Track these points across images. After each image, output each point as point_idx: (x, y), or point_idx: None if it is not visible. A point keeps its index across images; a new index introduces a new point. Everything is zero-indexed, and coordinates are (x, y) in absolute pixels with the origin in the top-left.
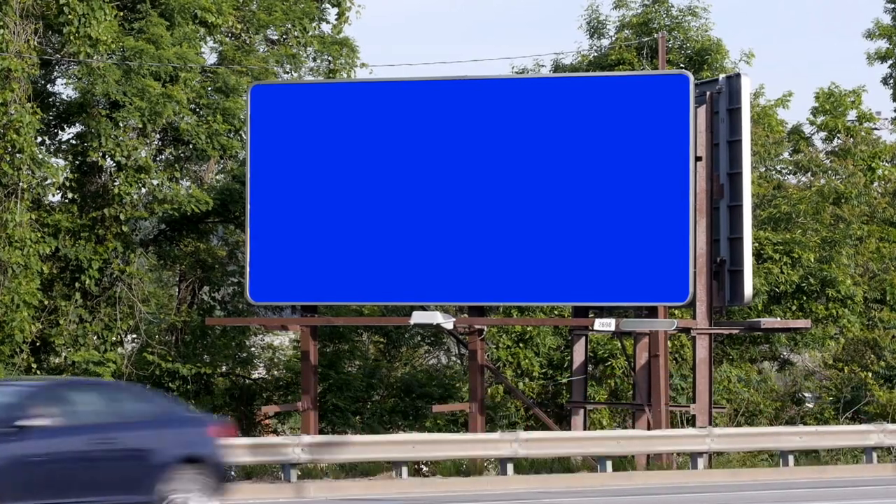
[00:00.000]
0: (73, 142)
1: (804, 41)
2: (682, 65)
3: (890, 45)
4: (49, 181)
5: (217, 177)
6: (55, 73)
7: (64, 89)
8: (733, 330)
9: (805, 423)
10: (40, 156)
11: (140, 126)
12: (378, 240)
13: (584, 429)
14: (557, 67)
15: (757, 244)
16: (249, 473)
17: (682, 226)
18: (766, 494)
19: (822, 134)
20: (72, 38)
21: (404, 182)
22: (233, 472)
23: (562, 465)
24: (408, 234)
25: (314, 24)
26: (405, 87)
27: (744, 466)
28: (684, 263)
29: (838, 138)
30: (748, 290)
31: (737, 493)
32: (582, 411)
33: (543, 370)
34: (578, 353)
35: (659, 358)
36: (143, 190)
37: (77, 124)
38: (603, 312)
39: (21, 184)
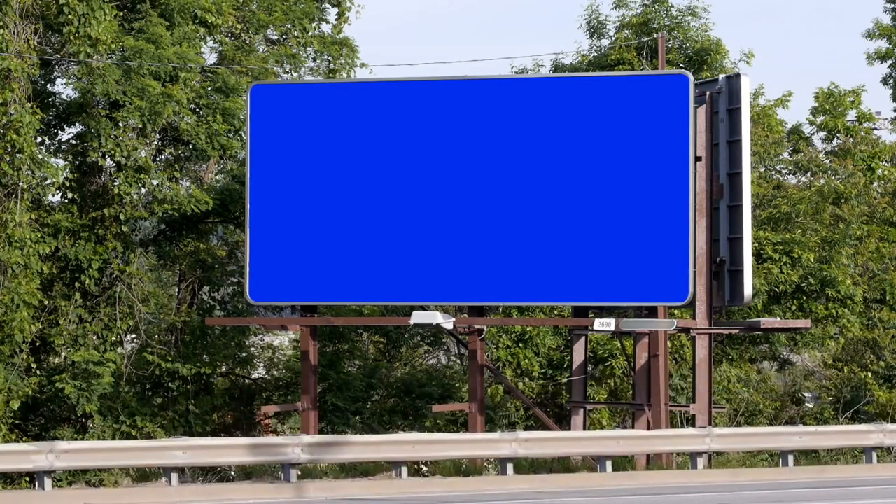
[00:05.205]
0: (73, 142)
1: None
2: (681, 65)
3: (890, 45)
4: (49, 181)
5: (217, 177)
6: (55, 73)
7: (64, 89)
8: (733, 330)
9: (805, 423)
10: (40, 156)
11: (140, 126)
12: (378, 240)
13: (584, 429)
14: (557, 67)
15: (757, 244)
16: (249, 473)
17: (681, 226)
18: (766, 494)
19: (822, 134)
20: (72, 38)
21: (404, 182)
22: (232, 472)
23: (562, 465)
24: (407, 234)
25: (314, 25)
26: (405, 87)
27: (744, 466)
28: (684, 263)
29: (838, 138)
30: (748, 290)
31: (737, 493)
32: (582, 411)
33: (543, 370)
34: (578, 353)
35: (659, 358)
36: (143, 190)
37: (77, 124)
38: (603, 312)
39: (21, 184)
